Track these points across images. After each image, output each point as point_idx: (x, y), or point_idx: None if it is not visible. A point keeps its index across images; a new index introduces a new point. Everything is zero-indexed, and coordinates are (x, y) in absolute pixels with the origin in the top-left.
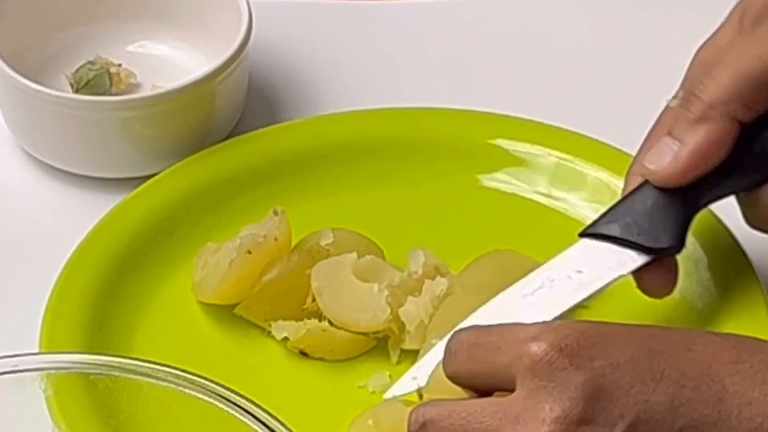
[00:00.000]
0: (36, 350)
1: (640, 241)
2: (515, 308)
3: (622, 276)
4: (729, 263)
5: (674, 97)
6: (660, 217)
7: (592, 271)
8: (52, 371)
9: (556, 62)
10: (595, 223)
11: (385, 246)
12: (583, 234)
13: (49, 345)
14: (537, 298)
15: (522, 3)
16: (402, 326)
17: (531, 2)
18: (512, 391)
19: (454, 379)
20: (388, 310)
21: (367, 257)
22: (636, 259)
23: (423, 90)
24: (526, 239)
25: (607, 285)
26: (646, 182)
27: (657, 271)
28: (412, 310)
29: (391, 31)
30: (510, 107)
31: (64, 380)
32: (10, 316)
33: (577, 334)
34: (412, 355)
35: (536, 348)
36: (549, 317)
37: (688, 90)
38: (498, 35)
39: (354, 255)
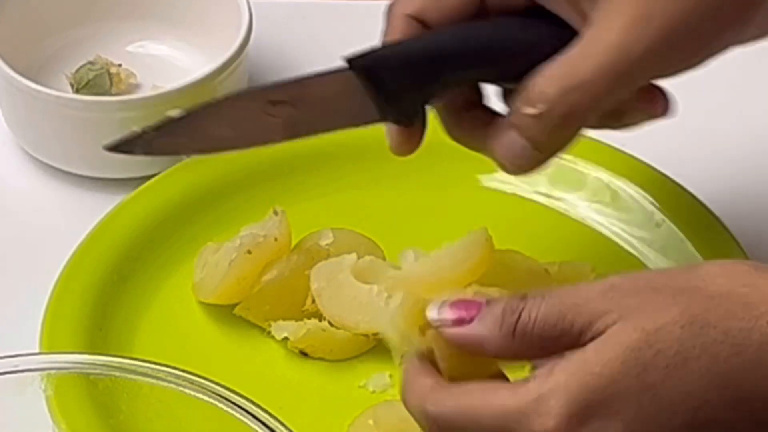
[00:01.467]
0: (36, 350)
1: (392, 113)
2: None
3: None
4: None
5: None
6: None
7: (337, 109)
8: (53, 371)
9: None
10: (368, 59)
11: (385, 246)
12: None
13: (50, 345)
14: (277, 111)
15: None
16: None
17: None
18: None
19: None
20: None
21: (367, 258)
22: (372, 117)
23: None
24: (527, 239)
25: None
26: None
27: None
28: None
29: None
30: None
31: (64, 380)
32: (10, 316)
33: (580, 397)
34: None
35: (539, 425)
36: None
37: None
38: None
39: (353, 256)
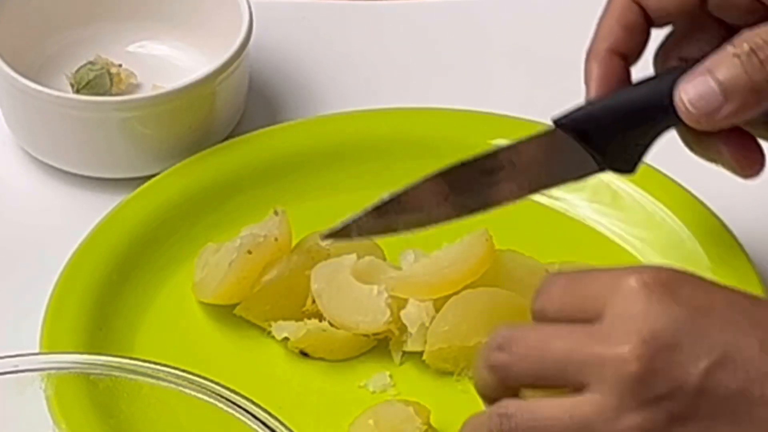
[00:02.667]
0: (36, 350)
1: (610, 163)
2: (471, 181)
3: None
4: (727, 261)
5: None
6: (630, 140)
7: (551, 167)
8: (53, 371)
9: (558, 63)
10: (575, 118)
11: (385, 246)
12: (559, 123)
13: (50, 345)
14: (494, 179)
15: (524, 4)
16: (402, 327)
17: (533, 3)
18: None
19: (539, 314)
20: (388, 313)
21: (367, 258)
22: (591, 169)
23: (424, 90)
24: (527, 239)
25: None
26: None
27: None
28: (413, 312)
29: (392, 30)
30: (511, 108)
31: (64, 380)
32: (10, 317)
33: (677, 274)
34: (415, 356)
35: (634, 279)
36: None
37: None
38: (499, 36)
39: (353, 256)
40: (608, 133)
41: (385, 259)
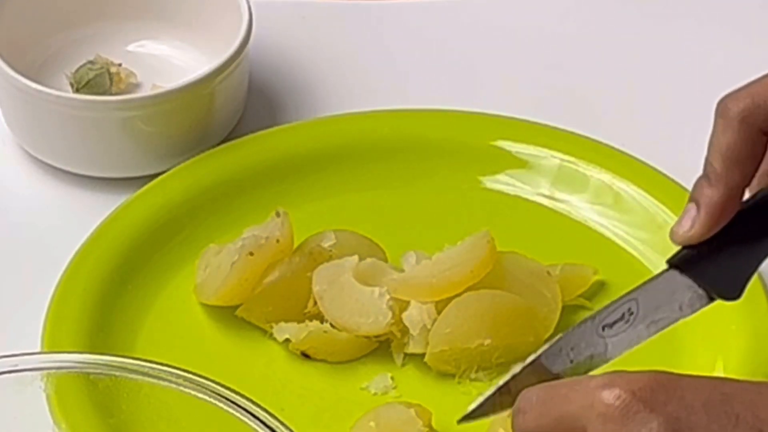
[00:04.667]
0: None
1: (720, 293)
2: (592, 339)
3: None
4: None
5: None
6: (733, 262)
7: (667, 308)
8: (53, 371)
9: (559, 64)
10: (686, 256)
11: (387, 247)
12: (674, 264)
13: (51, 346)
14: (615, 331)
15: (524, 4)
16: (404, 329)
17: (533, 3)
18: None
19: None
20: (390, 315)
21: (368, 260)
22: (702, 303)
23: (425, 91)
24: (529, 241)
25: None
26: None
27: None
28: (415, 314)
29: (393, 31)
30: (512, 108)
31: (64, 380)
32: (11, 318)
33: (649, 380)
34: (416, 358)
35: (608, 394)
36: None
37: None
38: (500, 36)
39: (355, 258)
40: (722, 269)
41: (386, 261)
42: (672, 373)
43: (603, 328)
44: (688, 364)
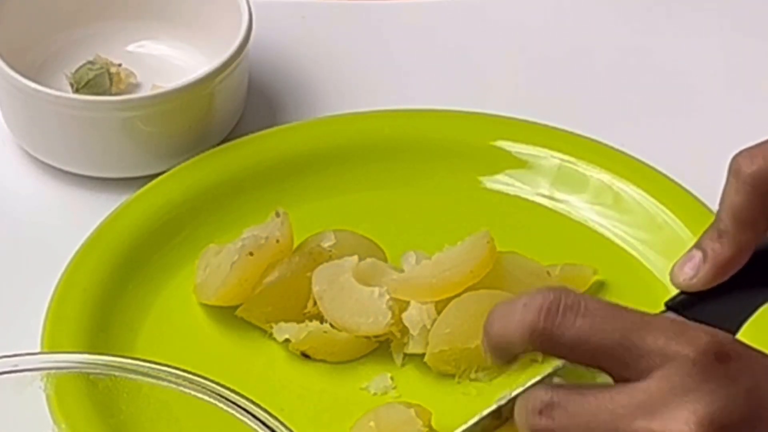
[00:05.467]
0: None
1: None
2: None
3: None
4: None
5: None
6: (732, 309)
7: None
8: (53, 371)
9: (559, 64)
10: (685, 300)
11: (387, 248)
12: (671, 306)
13: (51, 346)
14: None
15: (524, 4)
16: (404, 329)
17: (533, 3)
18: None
19: (576, 341)
20: (389, 315)
21: (368, 260)
22: None
23: (424, 91)
24: (528, 241)
25: None
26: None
27: None
28: (415, 314)
29: (392, 31)
30: (512, 109)
31: (64, 380)
32: (11, 318)
33: (729, 344)
34: (416, 359)
35: (691, 350)
36: None
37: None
38: (500, 36)
39: (355, 258)
40: (718, 314)
41: (386, 261)
42: (744, 343)
43: None
44: None
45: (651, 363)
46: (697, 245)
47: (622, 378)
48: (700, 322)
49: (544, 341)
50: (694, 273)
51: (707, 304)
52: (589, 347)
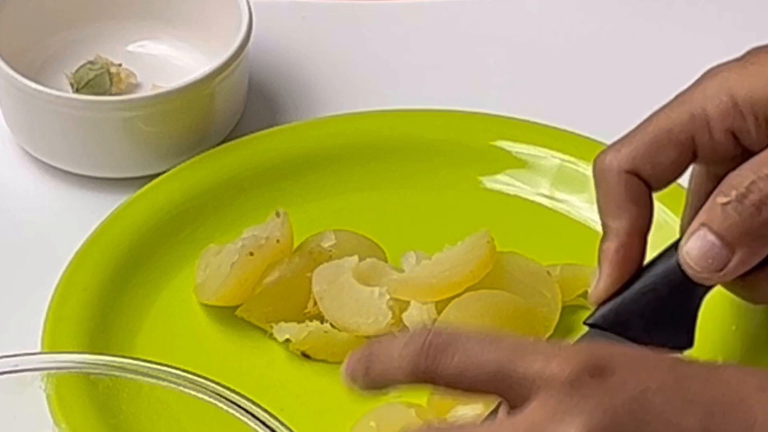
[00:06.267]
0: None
1: (659, 341)
2: None
3: None
4: None
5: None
6: (671, 313)
7: None
8: (53, 371)
9: (559, 63)
10: (603, 313)
11: (387, 248)
12: (591, 324)
13: (51, 346)
14: None
15: (525, 4)
16: (404, 329)
17: (533, 3)
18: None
19: (456, 376)
20: (390, 315)
21: (368, 260)
22: None
23: (425, 91)
24: (529, 241)
25: None
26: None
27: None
28: (415, 314)
29: (393, 31)
30: (512, 108)
31: (64, 380)
32: (11, 319)
33: (606, 357)
34: None
35: (565, 366)
36: None
37: None
38: (500, 36)
39: (355, 258)
40: (645, 322)
41: (386, 261)
42: (627, 349)
43: None
44: None
45: (531, 389)
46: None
47: (514, 406)
48: (623, 329)
49: (426, 380)
50: (596, 282)
51: (618, 308)
52: (469, 381)
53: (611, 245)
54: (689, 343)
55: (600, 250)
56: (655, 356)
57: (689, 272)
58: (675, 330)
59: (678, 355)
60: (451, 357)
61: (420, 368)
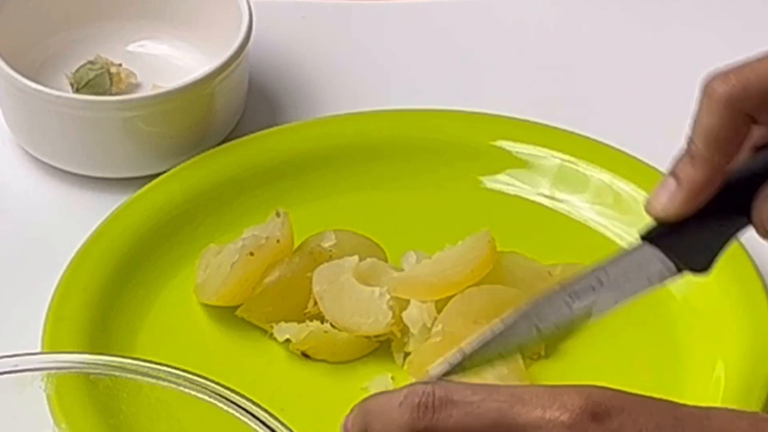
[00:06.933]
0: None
1: (690, 266)
2: (560, 308)
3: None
4: (730, 262)
5: None
6: (706, 238)
7: (636, 280)
8: (53, 371)
9: (559, 63)
10: (660, 230)
11: (388, 248)
12: (646, 237)
13: (51, 346)
14: (582, 300)
15: (525, 4)
16: (404, 329)
17: (534, 3)
18: None
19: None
20: (390, 314)
21: (368, 260)
22: (671, 275)
23: (425, 91)
24: (529, 241)
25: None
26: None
27: None
28: (415, 313)
29: (393, 31)
30: (512, 109)
31: (64, 380)
32: (11, 319)
33: (605, 400)
34: None
35: (564, 411)
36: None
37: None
38: (500, 36)
39: (355, 258)
40: (693, 243)
41: (386, 261)
42: (623, 392)
43: (571, 297)
44: (688, 364)
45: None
46: (671, 172)
47: None
48: (674, 253)
49: None
50: (669, 201)
51: (682, 234)
52: None
53: (700, 175)
54: (707, 270)
55: (682, 169)
56: (651, 400)
57: (761, 233)
58: (704, 256)
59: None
60: (449, 414)
61: (419, 428)
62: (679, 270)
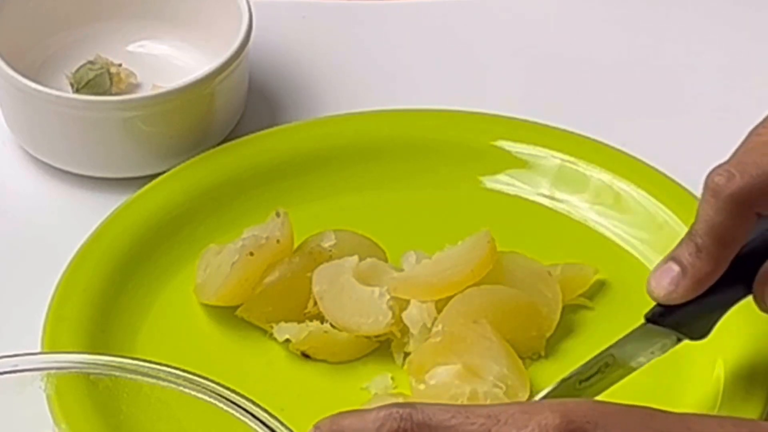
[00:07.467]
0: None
1: (691, 336)
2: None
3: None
4: None
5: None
6: (707, 311)
7: (641, 356)
8: (53, 371)
9: (559, 63)
10: (663, 311)
11: (387, 248)
12: (650, 320)
13: (51, 346)
14: (590, 383)
15: (525, 4)
16: (404, 329)
17: (533, 3)
18: None
19: None
20: (390, 314)
21: (368, 260)
22: (673, 345)
23: (425, 91)
24: (529, 241)
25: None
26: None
27: None
28: (415, 313)
29: (393, 31)
30: (512, 109)
31: (64, 380)
32: (11, 319)
33: (580, 416)
34: None
35: (543, 429)
36: None
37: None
38: (500, 36)
39: (355, 258)
40: (695, 316)
41: (386, 261)
42: (602, 403)
43: (580, 383)
44: (688, 364)
45: None
46: (674, 258)
47: None
48: (678, 328)
49: None
50: (673, 287)
51: (684, 311)
52: None
53: (706, 267)
54: (706, 336)
55: (688, 259)
56: (629, 410)
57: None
58: (704, 325)
59: (650, 407)
60: None
61: None
62: (680, 340)
